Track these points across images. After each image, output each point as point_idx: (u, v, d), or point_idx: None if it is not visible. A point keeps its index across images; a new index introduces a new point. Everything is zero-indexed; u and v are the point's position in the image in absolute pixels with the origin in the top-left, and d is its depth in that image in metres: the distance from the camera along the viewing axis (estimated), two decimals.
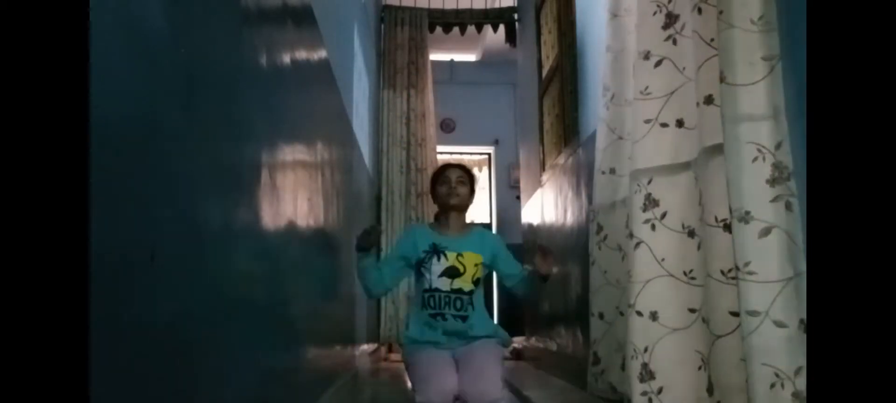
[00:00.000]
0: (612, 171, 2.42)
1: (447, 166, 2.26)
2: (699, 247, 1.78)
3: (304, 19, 2.11)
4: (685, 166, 1.87)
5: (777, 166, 1.46)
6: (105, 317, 0.72)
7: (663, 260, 1.89)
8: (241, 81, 1.38)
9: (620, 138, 2.40)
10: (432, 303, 2.08)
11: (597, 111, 2.65)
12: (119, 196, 0.78)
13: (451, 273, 2.10)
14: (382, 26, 5.90)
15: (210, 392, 1.14)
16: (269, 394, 1.55)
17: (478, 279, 2.13)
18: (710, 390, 1.68)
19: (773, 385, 1.40)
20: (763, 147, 1.48)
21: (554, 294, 3.74)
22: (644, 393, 1.89)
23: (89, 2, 0.68)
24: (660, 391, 1.86)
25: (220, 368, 1.20)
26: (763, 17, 1.50)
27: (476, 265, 2.12)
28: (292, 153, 1.93)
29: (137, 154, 0.85)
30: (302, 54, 2.07)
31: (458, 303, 2.08)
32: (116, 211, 0.77)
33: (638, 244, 1.96)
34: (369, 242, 2.12)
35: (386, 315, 5.46)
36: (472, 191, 2.28)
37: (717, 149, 1.64)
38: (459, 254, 2.11)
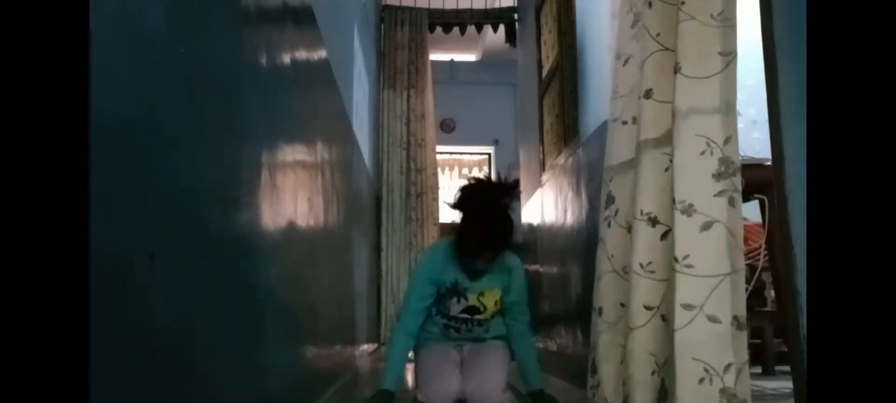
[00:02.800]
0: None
1: (515, 186, 1.80)
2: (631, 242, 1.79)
3: (304, 19, 2.11)
4: (631, 163, 1.87)
5: (724, 161, 1.46)
6: (105, 317, 0.72)
7: (612, 256, 1.90)
8: (241, 81, 1.38)
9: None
10: (447, 324, 1.99)
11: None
12: (119, 196, 0.78)
13: (471, 311, 1.96)
14: (382, 26, 5.90)
15: (210, 392, 1.14)
16: (268, 394, 1.55)
17: (497, 308, 1.97)
18: (624, 383, 1.69)
19: (701, 380, 1.39)
20: (712, 141, 1.47)
21: (554, 294, 3.74)
22: (591, 387, 1.92)
23: (89, 2, 0.68)
24: (598, 384, 1.87)
25: (219, 368, 1.20)
26: (723, 12, 1.50)
27: (495, 302, 1.95)
28: (292, 153, 1.93)
29: (137, 154, 0.85)
30: (302, 54, 2.07)
31: (476, 329, 2.00)
32: (116, 211, 0.77)
33: (599, 241, 1.97)
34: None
35: (386, 315, 5.45)
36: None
37: (651, 143, 1.64)
38: (481, 294, 1.92)
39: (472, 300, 1.93)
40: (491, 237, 1.78)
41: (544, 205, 4.25)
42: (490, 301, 1.94)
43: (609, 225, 1.94)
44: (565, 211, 3.56)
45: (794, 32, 1.42)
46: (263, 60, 1.57)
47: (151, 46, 0.90)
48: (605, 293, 1.90)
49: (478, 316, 1.97)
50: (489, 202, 1.78)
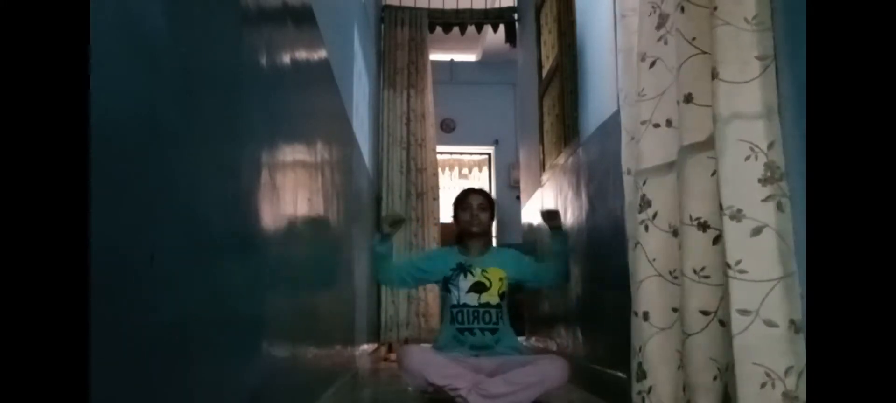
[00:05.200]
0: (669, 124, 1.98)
1: (469, 192, 2.43)
2: (680, 247, 1.79)
3: (304, 19, 2.11)
4: (671, 166, 1.87)
5: (769, 166, 1.47)
6: (105, 318, 0.72)
7: (654, 260, 1.90)
8: (241, 81, 1.38)
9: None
10: (460, 318, 2.24)
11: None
12: (119, 196, 0.78)
13: (479, 287, 2.26)
14: (382, 26, 5.90)
15: (210, 392, 1.14)
16: (268, 394, 1.55)
17: (504, 292, 2.30)
18: (684, 388, 1.69)
19: (763, 385, 1.40)
20: (756, 146, 1.48)
21: (554, 294, 3.74)
22: (639, 393, 1.91)
23: (89, 2, 0.68)
24: (650, 390, 1.87)
25: (219, 368, 1.20)
26: (757, 16, 1.51)
27: (501, 279, 2.30)
28: (292, 153, 1.93)
29: (137, 154, 0.85)
30: (302, 54, 2.07)
31: (487, 317, 2.23)
32: (116, 211, 0.77)
33: (635, 245, 1.97)
34: (393, 229, 2.35)
35: (386, 315, 5.45)
36: (491, 216, 2.42)
37: (695, 148, 1.64)
38: (484, 270, 2.29)
39: (478, 275, 2.28)
40: (468, 225, 2.38)
41: (544, 205, 4.25)
42: (494, 275, 2.28)
43: (646, 228, 1.93)
44: (565, 211, 3.56)
45: (794, 33, 1.42)
46: (263, 60, 1.56)
47: (151, 46, 0.90)
48: (650, 297, 1.89)
49: (486, 295, 2.22)
50: (463, 200, 2.43)
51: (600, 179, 2.79)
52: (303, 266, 2.11)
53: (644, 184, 1.96)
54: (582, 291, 3.11)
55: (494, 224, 2.56)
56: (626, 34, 2.36)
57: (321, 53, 2.47)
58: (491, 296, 2.25)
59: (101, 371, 0.70)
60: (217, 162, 1.20)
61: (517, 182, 6.26)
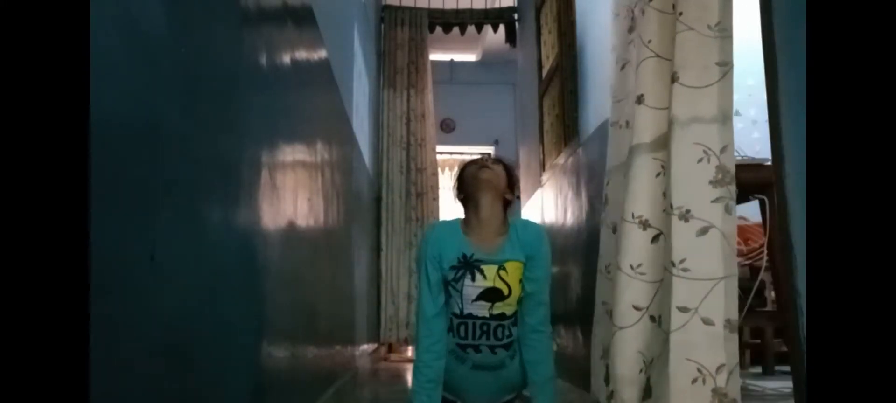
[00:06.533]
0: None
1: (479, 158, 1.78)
2: (617, 243, 1.82)
3: (304, 19, 2.11)
4: (623, 166, 1.91)
5: (720, 169, 1.50)
6: (105, 317, 0.72)
7: (600, 256, 1.96)
8: (241, 81, 1.38)
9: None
10: (463, 332, 1.61)
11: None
12: (119, 196, 0.78)
13: (491, 295, 1.58)
14: (382, 26, 5.90)
15: (209, 392, 1.14)
16: (268, 394, 1.55)
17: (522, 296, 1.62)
18: (606, 379, 1.72)
19: (694, 381, 1.43)
20: (709, 149, 1.51)
21: (554, 293, 3.74)
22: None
23: (89, 2, 0.68)
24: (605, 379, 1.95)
25: (219, 368, 1.20)
26: (720, 23, 1.54)
27: (520, 281, 1.60)
28: (292, 153, 1.93)
29: (137, 154, 0.85)
30: (302, 54, 2.07)
31: (500, 332, 1.61)
32: (116, 211, 0.77)
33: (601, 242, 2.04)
34: None
35: (386, 315, 5.45)
36: (509, 184, 1.70)
37: (642, 148, 1.68)
38: (501, 267, 1.59)
39: (491, 278, 1.56)
40: (475, 176, 1.64)
41: (544, 205, 4.25)
42: (513, 277, 1.58)
43: (603, 226, 2.00)
44: (565, 211, 3.56)
45: (794, 33, 1.42)
46: (263, 60, 1.56)
47: (151, 46, 0.90)
48: (597, 293, 1.98)
49: (501, 305, 1.57)
50: (464, 167, 1.75)
51: (600, 179, 2.79)
52: (303, 266, 2.11)
53: (608, 183, 2.02)
54: (581, 291, 3.11)
55: (515, 203, 1.77)
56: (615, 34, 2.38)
57: (321, 53, 2.47)
58: (507, 306, 1.59)
59: (101, 371, 0.70)
60: (217, 162, 1.20)
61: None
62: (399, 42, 5.83)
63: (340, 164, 3.08)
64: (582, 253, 3.04)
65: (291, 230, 1.87)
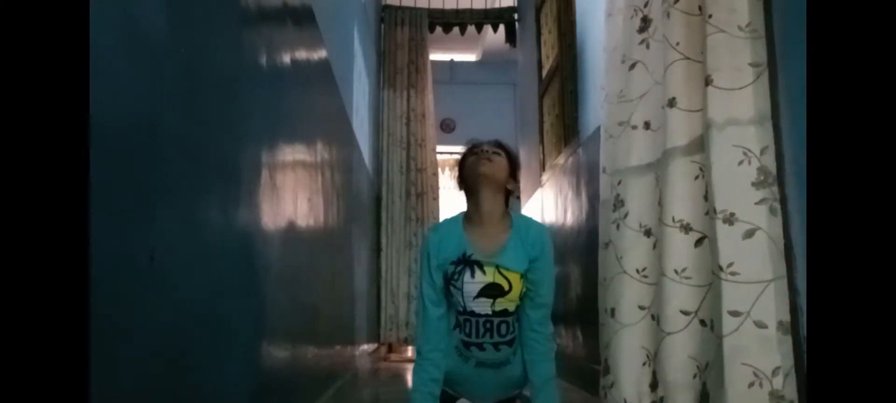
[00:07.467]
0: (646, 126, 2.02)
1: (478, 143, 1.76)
2: (654, 246, 1.80)
3: (304, 19, 2.11)
4: (649, 167, 1.89)
5: (762, 170, 1.49)
6: (105, 318, 0.72)
7: (621, 258, 1.92)
8: (241, 81, 1.38)
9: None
10: (467, 329, 1.63)
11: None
12: (119, 196, 0.78)
13: (492, 291, 1.60)
14: (382, 26, 5.90)
15: (209, 392, 1.14)
16: (268, 394, 1.55)
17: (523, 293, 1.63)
18: (653, 385, 1.71)
19: (751, 385, 1.42)
20: (749, 151, 1.50)
21: (554, 293, 3.74)
22: (603, 387, 1.93)
23: (89, 2, 0.68)
24: (611, 385, 1.89)
25: (219, 368, 1.20)
26: (751, 24, 1.53)
27: (522, 278, 1.62)
28: (292, 153, 1.93)
29: (137, 154, 0.85)
30: (302, 54, 2.07)
31: (503, 328, 1.62)
32: (116, 211, 0.77)
33: (607, 244, 1.99)
34: None
35: (386, 315, 5.45)
36: (511, 172, 1.69)
37: (678, 151, 1.67)
38: (501, 266, 1.61)
39: (491, 274, 1.59)
40: (474, 167, 1.65)
41: (544, 205, 4.25)
42: (515, 276, 1.60)
43: (618, 227, 1.95)
44: (565, 211, 3.56)
45: (794, 33, 1.42)
46: (263, 60, 1.56)
47: (151, 46, 0.90)
48: (618, 294, 1.92)
49: (503, 301, 1.59)
50: (464, 155, 1.74)
51: (600, 179, 2.78)
52: (303, 266, 2.11)
53: (619, 183, 1.99)
54: (581, 291, 3.11)
55: (516, 196, 1.76)
56: (612, 33, 2.38)
57: (321, 53, 2.47)
58: (509, 302, 1.60)
59: (101, 371, 0.70)
60: (217, 162, 1.20)
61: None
62: (399, 42, 5.83)
63: (340, 164, 3.08)
64: (582, 254, 3.04)
65: (291, 230, 1.87)
